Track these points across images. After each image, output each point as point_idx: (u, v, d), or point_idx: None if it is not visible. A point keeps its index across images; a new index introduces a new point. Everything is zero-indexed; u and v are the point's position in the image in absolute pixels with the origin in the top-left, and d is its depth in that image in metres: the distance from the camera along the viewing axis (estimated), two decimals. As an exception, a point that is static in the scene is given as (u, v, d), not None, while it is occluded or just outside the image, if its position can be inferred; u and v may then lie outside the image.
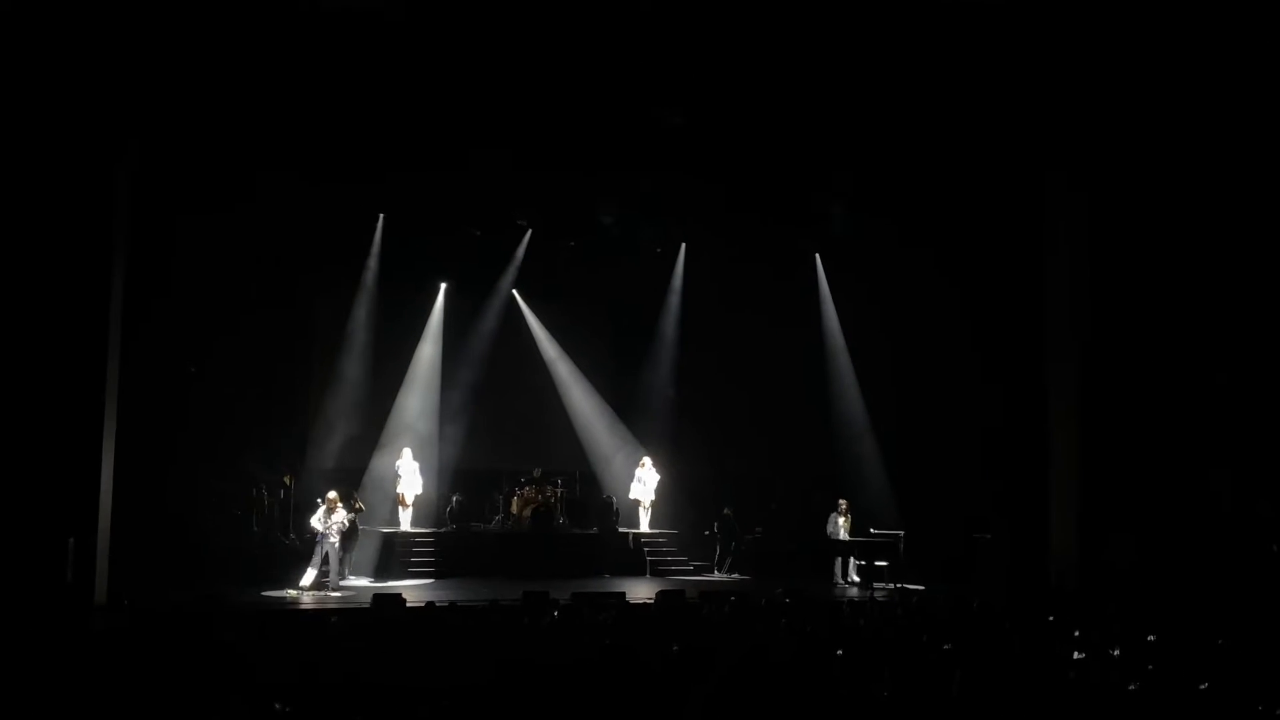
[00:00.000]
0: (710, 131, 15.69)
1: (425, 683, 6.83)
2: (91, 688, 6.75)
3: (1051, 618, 10.30)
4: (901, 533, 17.28)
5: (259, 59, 13.18)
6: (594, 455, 20.65)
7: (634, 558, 18.51)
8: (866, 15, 12.80)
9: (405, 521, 18.07)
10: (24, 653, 8.09)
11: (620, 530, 19.13)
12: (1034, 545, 16.45)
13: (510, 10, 12.92)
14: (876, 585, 16.47)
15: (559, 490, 19.32)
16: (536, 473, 19.24)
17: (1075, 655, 7.95)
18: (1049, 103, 14.86)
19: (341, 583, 15.21)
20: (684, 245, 20.86)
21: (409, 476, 18.18)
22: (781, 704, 6.08)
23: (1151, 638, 8.61)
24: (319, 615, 12.57)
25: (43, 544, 12.46)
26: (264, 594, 14.50)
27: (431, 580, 16.51)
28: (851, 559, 17.84)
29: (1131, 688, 6.67)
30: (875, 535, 17.65)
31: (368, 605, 12.23)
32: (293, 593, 14.66)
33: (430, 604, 11.29)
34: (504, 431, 20.06)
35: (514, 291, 20.64)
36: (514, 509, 19.01)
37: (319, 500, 15.31)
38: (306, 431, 18.70)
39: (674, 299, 21.06)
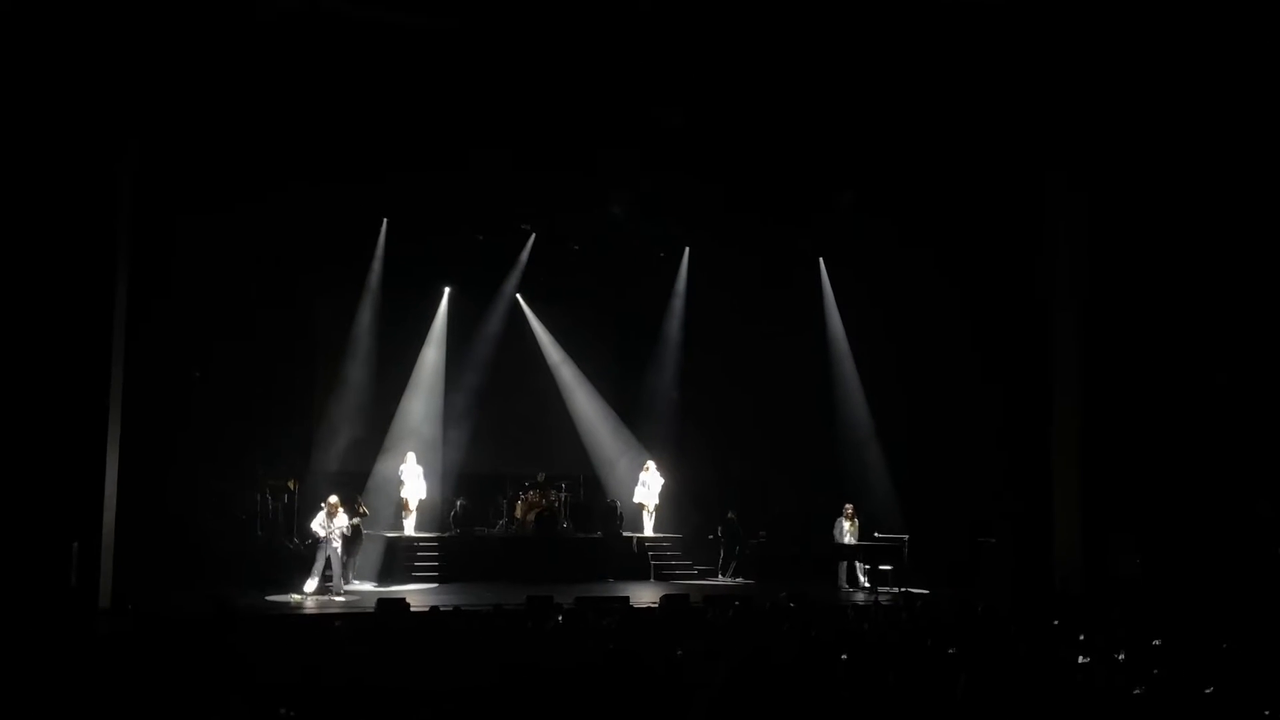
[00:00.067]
0: (710, 131, 15.69)
1: (429, 686, 6.83)
2: (96, 692, 6.74)
3: (1056, 622, 10.30)
4: (906, 537, 17.23)
5: (259, 59, 13.19)
6: (598, 459, 20.65)
7: (638, 562, 18.52)
8: (866, 16, 12.81)
9: (409, 526, 18.08)
10: (28, 657, 8.08)
11: (624, 534, 19.12)
12: (1038, 549, 16.45)
13: (511, 11, 12.94)
14: (881, 589, 16.44)
15: (563, 494, 19.33)
16: (540, 477, 19.25)
17: (1080, 659, 7.92)
18: (1049, 103, 14.87)
19: (345, 587, 15.20)
20: (687, 249, 20.85)
21: (413, 481, 18.19)
22: (786, 708, 6.07)
23: (1156, 641, 8.60)
24: (323, 619, 12.60)
25: (47, 548, 12.45)
26: (268, 598, 14.50)
27: (435, 585, 16.53)
28: (859, 563, 17.81)
29: (1137, 692, 6.65)
30: (880, 539, 17.63)
31: (372, 610, 12.20)
32: (296, 597, 14.65)
33: (434, 608, 11.30)
34: (508, 435, 20.06)
35: (518, 295, 20.63)
36: (518, 513, 19.00)
37: (321, 505, 15.32)
38: (310, 435, 18.69)
39: (678, 302, 21.06)
